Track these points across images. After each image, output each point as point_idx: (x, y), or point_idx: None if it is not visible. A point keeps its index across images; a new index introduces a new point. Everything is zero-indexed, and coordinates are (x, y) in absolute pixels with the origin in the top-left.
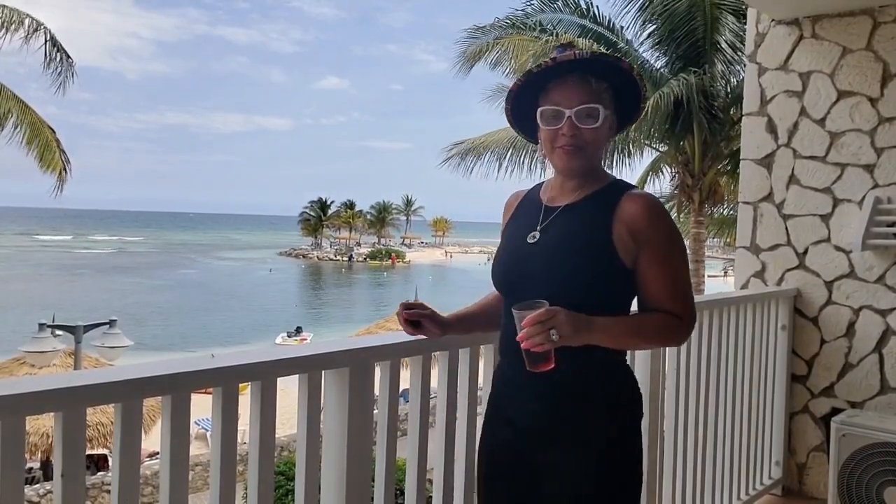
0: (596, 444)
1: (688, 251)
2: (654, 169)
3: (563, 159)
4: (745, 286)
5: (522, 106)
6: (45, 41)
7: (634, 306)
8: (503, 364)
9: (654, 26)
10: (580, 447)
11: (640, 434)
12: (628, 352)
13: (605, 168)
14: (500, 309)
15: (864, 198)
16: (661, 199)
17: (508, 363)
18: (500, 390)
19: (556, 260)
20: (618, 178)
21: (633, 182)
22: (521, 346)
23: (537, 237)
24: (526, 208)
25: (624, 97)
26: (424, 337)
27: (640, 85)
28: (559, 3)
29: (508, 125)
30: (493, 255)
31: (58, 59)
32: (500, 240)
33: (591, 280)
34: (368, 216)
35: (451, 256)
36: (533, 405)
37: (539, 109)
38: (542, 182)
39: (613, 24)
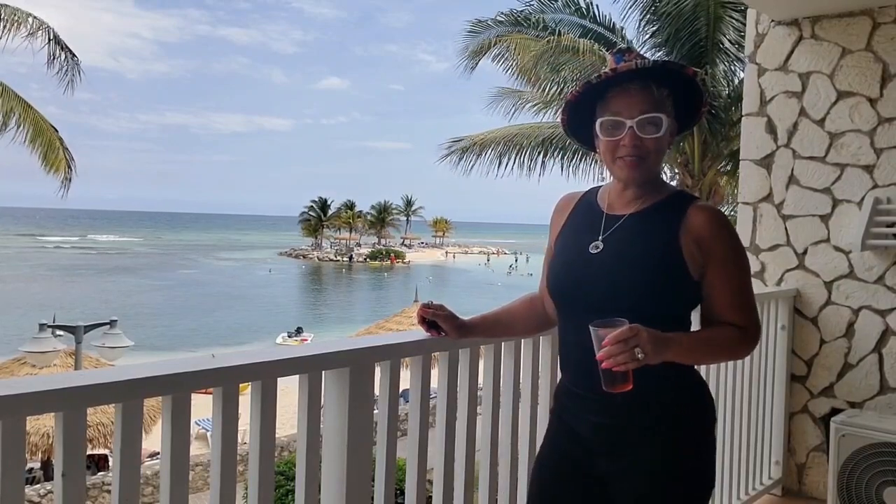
0: (661, 455)
1: None
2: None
3: (624, 170)
4: None
5: (579, 115)
6: (49, 40)
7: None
8: (566, 377)
9: (657, 26)
10: (645, 458)
11: (708, 443)
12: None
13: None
14: (526, 316)
15: (863, 198)
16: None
17: (571, 376)
18: (564, 404)
19: (623, 270)
20: (678, 188)
21: None
22: (602, 365)
23: (601, 247)
24: (583, 215)
25: (683, 101)
26: (443, 335)
27: (703, 92)
28: (559, 4)
29: (508, 124)
30: (549, 263)
31: (63, 58)
32: (548, 246)
33: (660, 291)
34: (368, 216)
35: (454, 257)
36: (596, 418)
37: (598, 120)
38: (597, 187)
39: (614, 24)
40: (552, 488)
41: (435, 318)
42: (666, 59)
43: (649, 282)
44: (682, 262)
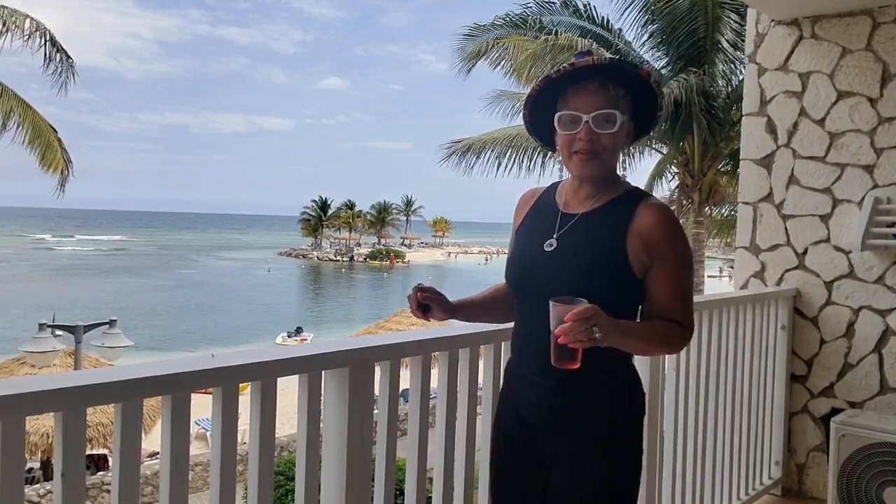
0: (599, 437)
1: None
2: (658, 173)
3: (578, 166)
4: (744, 286)
5: (540, 112)
6: (45, 42)
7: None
8: (514, 360)
9: (655, 26)
10: (583, 440)
11: (641, 426)
12: None
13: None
14: (499, 302)
15: (863, 198)
16: (667, 203)
17: (520, 360)
18: (511, 385)
19: (572, 270)
20: (633, 185)
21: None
22: (558, 340)
23: (554, 245)
24: (541, 212)
25: (642, 104)
26: (429, 318)
27: (656, 92)
28: (557, 6)
29: (507, 125)
30: (508, 256)
31: (58, 59)
32: (511, 236)
33: (606, 290)
34: (368, 216)
35: (456, 257)
36: (540, 400)
37: (557, 114)
38: (557, 183)
39: (611, 25)
40: (502, 466)
41: (429, 301)
42: (622, 59)
43: (595, 279)
44: (627, 262)
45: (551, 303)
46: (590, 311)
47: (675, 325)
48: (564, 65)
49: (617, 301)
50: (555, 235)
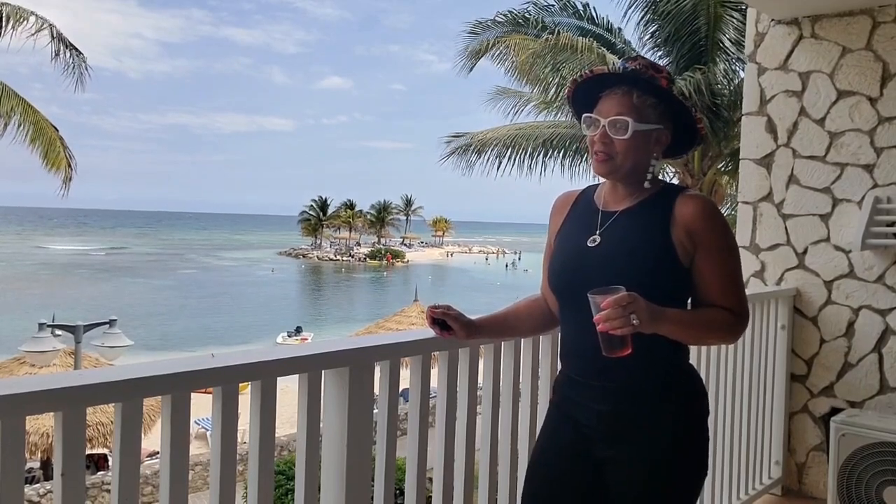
0: (660, 442)
1: None
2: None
3: (594, 165)
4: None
5: (585, 97)
6: (52, 38)
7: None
8: (567, 367)
9: (657, 26)
10: (644, 446)
11: (705, 432)
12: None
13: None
14: (531, 316)
15: (863, 198)
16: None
17: (573, 366)
18: (566, 394)
19: (618, 262)
20: (669, 182)
21: None
22: (598, 328)
23: (598, 241)
24: (580, 212)
25: (678, 113)
26: (450, 336)
27: (684, 104)
28: (556, 7)
29: (509, 123)
30: (549, 258)
31: (68, 55)
32: (548, 242)
33: (653, 281)
34: (368, 216)
35: (451, 256)
36: (598, 406)
37: (583, 115)
38: (593, 186)
39: (611, 24)
40: (553, 475)
41: (444, 318)
42: (645, 66)
43: (642, 270)
44: (672, 251)
45: (590, 296)
46: (627, 298)
47: (725, 311)
48: (585, 70)
49: (664, 290)
50: (597, 232)
